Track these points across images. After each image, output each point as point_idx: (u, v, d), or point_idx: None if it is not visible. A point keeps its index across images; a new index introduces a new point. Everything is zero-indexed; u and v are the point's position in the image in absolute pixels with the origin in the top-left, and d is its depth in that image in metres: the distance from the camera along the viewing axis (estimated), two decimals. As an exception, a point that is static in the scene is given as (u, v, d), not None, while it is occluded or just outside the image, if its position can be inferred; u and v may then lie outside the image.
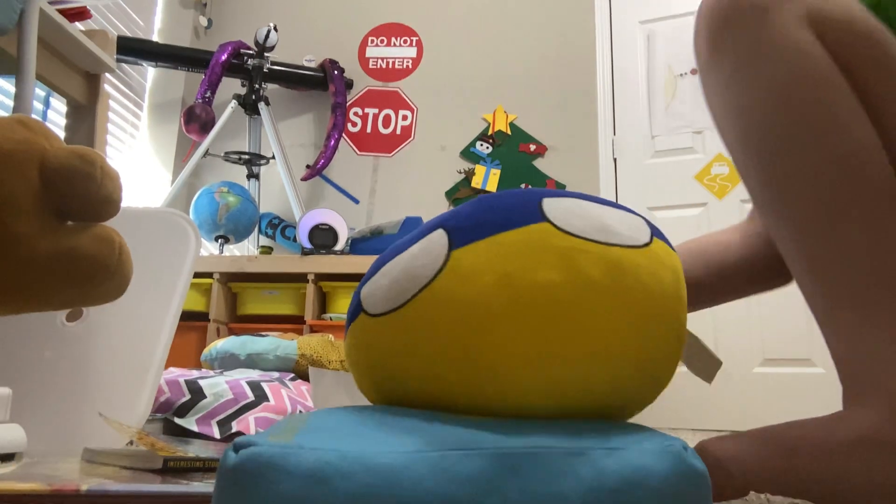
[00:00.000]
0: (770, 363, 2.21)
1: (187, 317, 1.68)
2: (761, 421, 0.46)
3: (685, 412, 2.12)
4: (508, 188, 2.74)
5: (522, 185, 2.66)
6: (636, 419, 0.43)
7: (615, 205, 0.45)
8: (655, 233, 0.44)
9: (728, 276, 0.67)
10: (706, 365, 0.45)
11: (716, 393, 2.14)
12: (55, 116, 1.88)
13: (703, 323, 2.26)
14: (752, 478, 0.43)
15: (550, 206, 0.41)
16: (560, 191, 0.44)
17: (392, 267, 0.42)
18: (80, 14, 1.21)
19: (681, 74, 2.49)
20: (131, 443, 0.86)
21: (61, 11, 1.09)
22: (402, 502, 0.35)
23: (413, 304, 0.39)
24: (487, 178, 2.68)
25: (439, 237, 0.41)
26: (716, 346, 2.26)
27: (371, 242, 2.31)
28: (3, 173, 0.33)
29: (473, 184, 2.68)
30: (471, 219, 0.41)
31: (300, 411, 1.32)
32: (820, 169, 0.47)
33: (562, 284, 0.38)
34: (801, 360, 2.17)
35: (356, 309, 0.43)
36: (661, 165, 2.46)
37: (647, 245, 0.41)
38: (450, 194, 2.67)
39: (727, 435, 0.45)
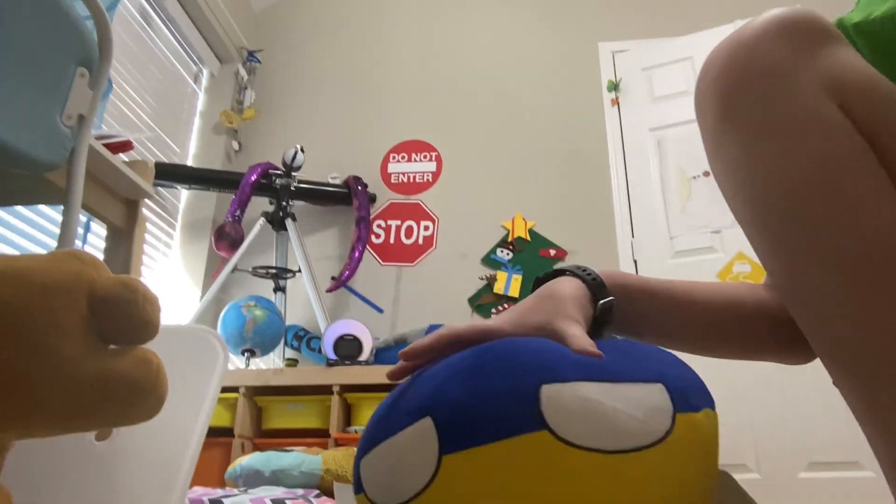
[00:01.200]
0: (815, 467, 2.11)
1: (212, 433, 1.67)
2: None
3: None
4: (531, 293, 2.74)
5: (544, 290, 2.67)
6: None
7: (634, 368, 0.39)
8: (681, 403, 0.38)
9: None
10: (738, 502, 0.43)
11: (761, 501, 2.03)
12: (94, 239, 1.97)
13: (742, 427, 2.18)
14: None
15: (550, 402, 0.36)
16: (561, 366, 0.38)
17: (384, 454, 0.40)
18: (124, 146, 1.31)
19: (694, 177, 2.56)
20: (154, 567, 0.84)
21: (106, 145, 1.18)
22: None
23: None
24: (509, 284, 2.70)
25: (428, 432, 0.37)
26: (756, 451, 2.16)
27: (396, 351, 2.31)
28: (56, 302, 0.36)
29: (496, 289, 2.70)
30: (460, 412, 0.37)
31: (325, 530, 1.28)
32: (844, 254, 0.43)
33: None
34: (849, 464, 2.07)
35: (359, 485, 0.42)
36: (682, 265, 2.47)
37: (664, 437, 0.36)
38: (472, 301, 2.70)
39: None
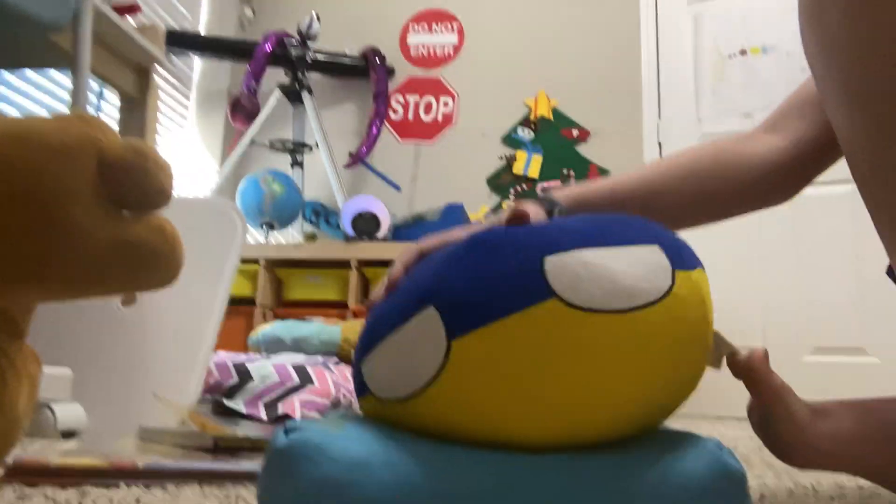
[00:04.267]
0: (821, 352, 2.15)
1: (234, 302, 1.73)
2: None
3: (736, 400, 2.09)
4: (551, 175, 2.72)
5: (565, 171, 2.64)
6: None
7: (629, 234, 0.39)
8: (678, 261, 0.39)
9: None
10: (720, 353, 0.43)
11: (763, 382, 2.10)
12: (109, 108, 1.94)
13: (752, 310, 2.21)
14: (846, 461, 0.41)
15: (555, 271, 0.36)
16: (559, 237, 0.37)
17: (388, 350, 0.39)
18: (131, 9, 1.25)
19: (729, 56, 2.42)
20: (183, 422, 0.90)
21: (113, 7, 1.13)
22: (441, 494, 0.36)
23: (421, 398, 0.38)
24: (529, 164, 2.66)
25: (432, 320, 0.37)
26: (764, 334, 2.21)
27: (413, 229, 2.33)
28: (64, 166, 0.35)
29: (515, 170, 2.67)
30: (464, 294, 0.37)
31: (344, 394, 1.35)
32: None
33: (579, 378, 0.36)
34: (854, 349, 2.11)
35: (362, 387, 0.41)
36: (707, 149, 2.40)
37: (667, 293, 0.37)
38: (491, 181, 2.67)
39: (822, 407, 0.42)
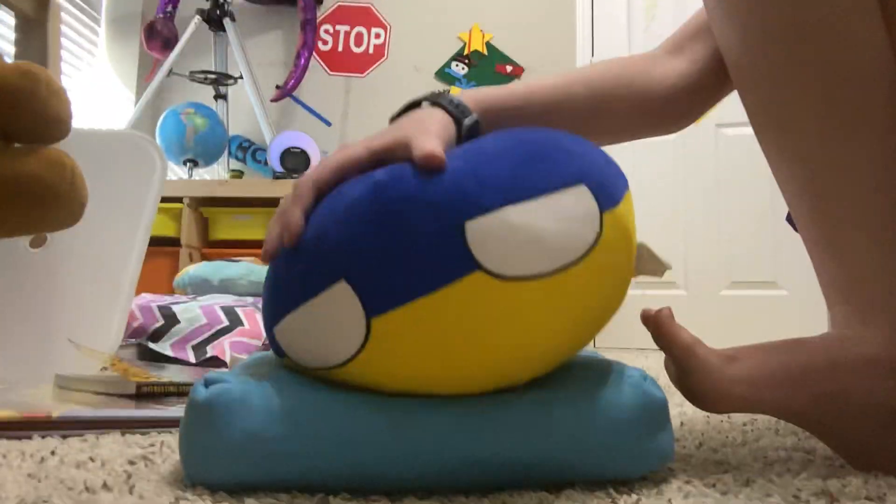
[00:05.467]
0: (736, 286, 2.27)
1: (158, 242, 1.65)
2: (727, 343, 0.46)
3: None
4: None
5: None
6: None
7: (553, 174, 0.36)
8: (605, 199, 0.37)
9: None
10: (655, 267, 0.44)
11: (684, 315, 2.20)
12: (5, 31, 1.77)
13: (674, 244, 2.29)
14: (758, 403, 0.43)
15: (478, 239, 0.33)
16: (478, 193, 0.34)
17: (301, 324, 0.36)
18: (23, -84, 1.12)
19: (662, -7, 2.42)
20: (104, 369, 0.86)
21: (1, -87, 1.01)
22: (364, 445, 0.35)
23: (342, 369, 0.36)
24: (463, 101, 2.62)
25: (347, 296, 0.34)
26: (685, 270, 2.30)
27: (344, 166, 2.27)
28: (-64, 90, 0.30)
29: (448, 106, 2.62)
30: (381, 272, 0.34)
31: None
32: (833, 79, 0.43)
33: (506, 341, 0.36)
34: (767, 283, 2.23)
35: (279, 351, 0.39)
36: (638, 88, 2.42)
37: (596, 242, 0.35)
38: (424, 117, 2.62)
39: (731, 352, 0.44)
